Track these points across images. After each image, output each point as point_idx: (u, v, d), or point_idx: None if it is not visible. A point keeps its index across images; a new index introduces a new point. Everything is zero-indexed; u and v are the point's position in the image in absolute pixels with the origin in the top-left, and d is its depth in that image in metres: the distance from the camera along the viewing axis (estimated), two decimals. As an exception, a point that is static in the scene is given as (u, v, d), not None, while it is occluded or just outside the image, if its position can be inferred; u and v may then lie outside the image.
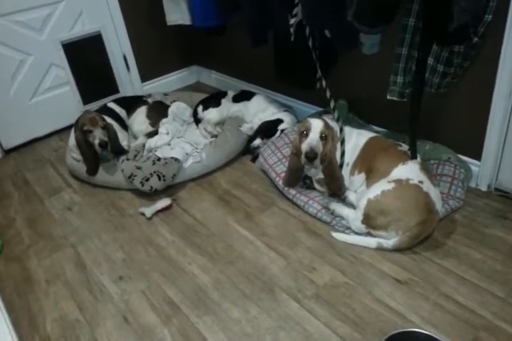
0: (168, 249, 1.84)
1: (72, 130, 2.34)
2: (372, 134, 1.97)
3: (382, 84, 1.98)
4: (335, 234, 1.77)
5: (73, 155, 2.38)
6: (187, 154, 2.31)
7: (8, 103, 2.74)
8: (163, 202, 2.09)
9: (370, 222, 1.67)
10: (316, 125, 1.82)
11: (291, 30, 1.99)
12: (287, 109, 2.63)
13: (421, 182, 1.68)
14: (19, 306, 1.64)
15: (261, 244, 1.80)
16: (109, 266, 1.78)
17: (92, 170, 2.28)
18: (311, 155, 1.76)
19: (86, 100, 3.09)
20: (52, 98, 2.93)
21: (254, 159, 2.42)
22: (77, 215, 2.15)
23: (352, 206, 1.84)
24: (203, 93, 3.18)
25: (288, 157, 2.19)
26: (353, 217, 1.74)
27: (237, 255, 1.76)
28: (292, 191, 2.01)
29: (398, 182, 1.67)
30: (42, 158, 2.76)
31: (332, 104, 1.92)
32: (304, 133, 1.82)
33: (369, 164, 1.82)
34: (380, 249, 1.67)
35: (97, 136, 2.21)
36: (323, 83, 2.00)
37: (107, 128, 2.27)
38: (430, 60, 1.75)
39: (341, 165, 1.88)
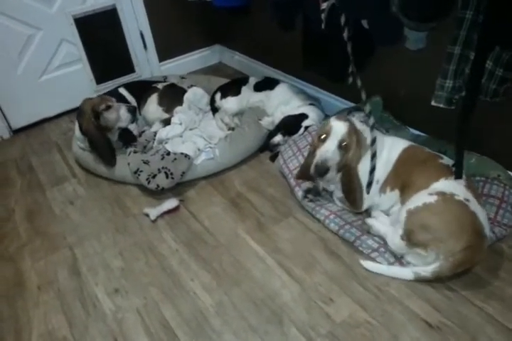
0: (171, 259, 1.67)
1: (76, 123, 2.15)
2: (407, 143, 1.70)
3: (425, 84, 1.70)
4: (364, 263, 1.54)
5: (79, 144, 2.21)
6: (199, 150, 2.10)
7: (16, 81, 2.58)
8: (170, 204, 1.91)
9: (411, 236, 1.44)
10: (337, 130, 1.56)
11: (322, 16, 1.70)
12: (313, 102, 2.36)
13: (467, 200, 1.44)
14: (7, 315, 1.52)
15: (273, 262, 1.61)
16: (106, 275, 1.64)
17: (109, 161, 2.10)
18: (321, 170, 1.52)
19: (99, 79, 2.89)
20: (63, 76, 2.75)
21: (274, 158, 2.20)
22: (79, 211, 2.00)
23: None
24: (224, 77, 2.94)
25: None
26: (392, 233, 1.51)
27: (245, 274, 1.58)
28: (311, 204, 1.79)
29: (441, 195, 1.44)
30: (49, 140, 2.61)
31: (367, 108, 1.65)
32: (321, 138, 1.58)
33: (404, 180, 1.58)
34: (418, 280, 1.45)
35: (121, 106, 2.04)
36: (358, 82, 1.72)
37: None
38: (488, 63, 1.45)
39: (370, 183, 1.63)
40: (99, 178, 2.19)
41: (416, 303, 1.39)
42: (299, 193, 1.87)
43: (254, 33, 2.84)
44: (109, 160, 2.09)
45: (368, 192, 1.64)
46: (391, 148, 1.65)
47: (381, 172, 1.63)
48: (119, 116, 2.03)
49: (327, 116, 2.34)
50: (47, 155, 2.46)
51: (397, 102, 2.09)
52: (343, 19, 1.58)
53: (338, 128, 1.58)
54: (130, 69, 3.01)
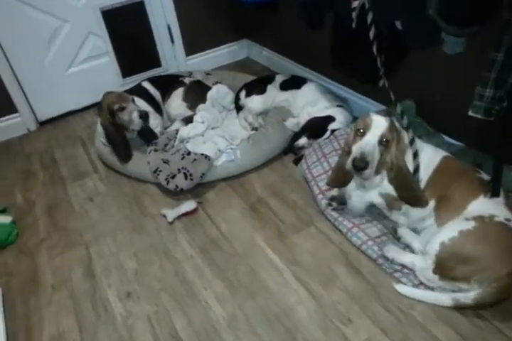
0: (185, 265, 1.63)
1: (99, 120, 2.13)
2: (444, 153, 1.58)
3: (462, 90, 1.57)
4: (398, 287, 1.43)
5: (102, 140, 2.19)
6: (220, 151, 2.04)
7: (43, 73, 2.58)
8: (188, 206, 1.87)
9: (446, 272, 1.33)
10: (379, 124, 1.42)
11: (353, 15, 1.58)
12: (342, 103, 2.25)
13: (508, 220, 1.33)
14: (21, 312, 1.53)
15: (290, 275, 1.54)
16: (119, 277, 1.61)
17: (125, 157, 2.08)
18: (360, 164, 1.37)
19: (125, 73, 2.87)
20: (90, 69, 2.74)
21: (297, 161, 2.11)
22: (98, 208, 1.99)
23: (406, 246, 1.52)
24: (251, 73, 2.86)
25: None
26: (421, 265, 1.40)
27: (261, 286, 1.52)
28: (335, 213, 1.71)
29: (480, 219, 1.33)
30: (74, 134, 2.62)
31: (399, 109, 1.54)
32: (360, 132, 1.44)
33: (441, 191, 1.46)
34: (457, 306, 1.34)
35: (134, 109, 1.99)
36: (386, 84, 1.60)
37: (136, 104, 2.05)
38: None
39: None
40: (120, 175, 2.17)
41: (440, 329, 1.30)
42: (323, 201, 1.79)
43: (283, 29, 2.73)
44: (124, 157, 2.07)
45: None
46: (430, 154, 1.53)
47: (421, 177, 1.51)
48: (132, 119, 2.00)
49: (355, 119, 2.23)
50: (70, 149, 2.46)
51: (430, 107, 1.96)
52: (371, 18, 1.47)
53: (380, 122, 1.43)
54: (156, 63, 2.97)
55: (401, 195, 1.50)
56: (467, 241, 1.29)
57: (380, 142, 1.42)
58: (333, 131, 2.08)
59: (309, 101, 2.28)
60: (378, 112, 1.51)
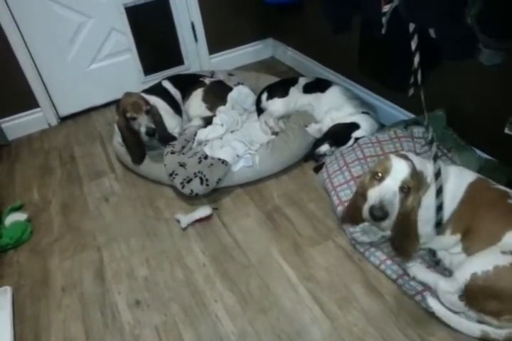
0: (197, 274, 1.59)
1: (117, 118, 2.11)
2: (473, 175, 1.45)
3: (498, 103, 1.47)
4: (431, 301, 1.33)
5: (119, 140, 2.16)
6: (238, 156, 1.98)
7: (65, 68, 2.57)
8: (203, 212, 1.82)
9: (474, 303, 1.24)
10: (400, 169, 1.28)
11: (383, 20, 1.48)
12: (367, 110, 2.15)
13: None
14: (30, 314, 1.52)
15: (305, 292, 1.47)
16: (129, 284, 1.58)
17: (138, 159, 2.06)
18: (379, 215, 1.23)
19: (147, 70, 2.83)
20: (112, 65, 2.71)
21: (318, 169, 2.03)
22: (112, 209, 1.96)
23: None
24: (275, 74, 2.79)
25: (358, 178, 1.79)
26: (445, 289, 1.30)
27: (274, 301, 1.46)
28: (351, 229, 1.63)
29: None
30: (94, 131, 2.61)
31: (431, 134, 1.43)
32: (378, 176, 1.29)
33: (468, 223, 1.35)
34: (484, 340, 1.24)
35: (143, 123, 1.96)
36: (422, 95, 1.51)
37: (151, 112, 2.00)
38: None
39: (439, 224, 1.38)
40: (136, 176, 2.14)
41: (463, 362, 1.22)
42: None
43: (308, 28, 2.64)
44: (137, 159, 2.04)
45: (438, 233, 1.41)
46: (456, 181, 1.40)
47: (445, 210, 1.39)
48: (140, 131, 1.97)
49: (383, 126, 2.14)
50: (89, 147, 2.45)
51: (462, 119, 1.85)
52: (411, 26, 1.37)
53: (400, 167, 1.28)
54: (179, 61, 2.93)
55: (393, 241, 1.39)
56: (502, 278, 1.18)
57: (402, 189, 1.27)
58: (356, 139, 1.99)
59: (333, 106, 2.19)
60: (399, 155, 1.37)
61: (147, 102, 2.00)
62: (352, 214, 1.45)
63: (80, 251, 1.76)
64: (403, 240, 1.38)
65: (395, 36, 1.50)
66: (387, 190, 1.26)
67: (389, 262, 1.50)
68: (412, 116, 2.06)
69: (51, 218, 1.95)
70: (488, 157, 1.80)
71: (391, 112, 2.19)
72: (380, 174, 1.29)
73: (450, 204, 1.38)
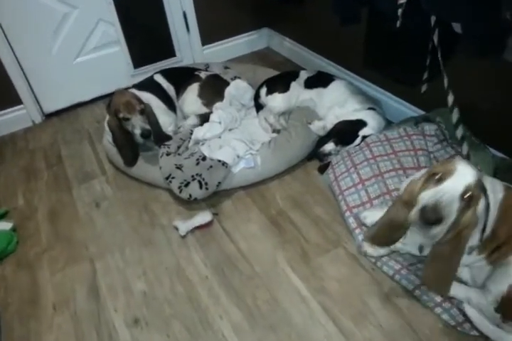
0: (199, 287, 1.48)
1: (107, 116, 1.96)
2: (501, 185, 1.25)
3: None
4: (466, 307, 1.24)
5: (109, 139, 2.02)
6: (238, 156, 1.86)
7: (50, 62, 2.40)
8: (202, 218, 1.70)
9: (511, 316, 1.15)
10: (465, 174, 1.07)
11: (399, 12, 1.36)
12: (373, 106, 2.03)
13: None
14: (18, 336, 1.39)
15: (317, 306, 1.37)
16: (126, 300, 1.47)
17: (130, 161, 1.92)
18: (431, 217, 1.04)
19: (137, 63, 2.67)
20: (100, 58, 2.54)
21: (323, 169, 1.92)
22: (104, 215, 1.83)
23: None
24: (271, 65, 2.66)
25: (367, 181, 1.68)
26: (479, 301, 1.21)
27: (283, 317, 1.36)
28: (359, 238, 1.52)
29: None
30: (82, 128, 2.45)
31: (459, 133, 1.32)
32: (436, 177, 1.09)
33: (502, 241, 1.19)
34: None
35: (137, 124, 1.82)
36: (446, 82, 1.38)
37: (146, 112, 1.86)
38: None
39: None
40: (129, 178, 2.01)
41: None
42: (351, 220, 1.61)
43: (308, 17, 2.50)
44: (129, 161, 1.91)
45: (468, 253, 1.23)
46: (491, 197, 1.19)
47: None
48: (133, 132, 1.85)
49: (390, 123, 2.03)
50: (77, 146, 2.30)
51: (477, 116, 1.74)
52: (433, 20, 1.25)
53: (467, 171, 1.08)
54: (170, 53, 2.77)
55: (428, 267, 1.20)
56: None
57: (463, 196, 1.05)
58: (364, 137, 1.87)
59: (337, 102, 2.07)
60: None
61: (141, 101, 1.86)
62: (385, 233, 1.24)
63: (72, 263, 1.63)
64: (439, 269, 1.17)
65: (409, 29, 1.39)
66: (446, 191, 1.05)
67: (404, 272, 1.41)
68: (421, 112, 1.95)
69: (38, 226, 1.81)
70: (504, 156, 1.70)
71: (398, 108, 2.08)
72: (439, 175, 1.08)
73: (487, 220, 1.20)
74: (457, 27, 1.22)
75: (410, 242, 1.40)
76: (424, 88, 1.59)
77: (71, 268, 1.61)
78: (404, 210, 1.15)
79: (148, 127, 1.82)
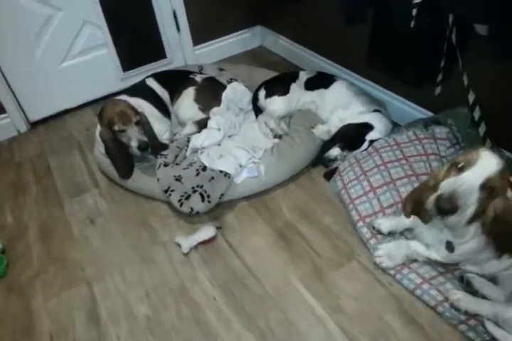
0: (207, 310, 1.38)
1: (98, 127, 1.84)
2: None
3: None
4: (489, 325, 1.18)
5: (101, 150, 1.90)
6: (240, 166, 1.76)
7: (33, 67, 2.26)
8: (206, 233, 1.60)
9: None
10: (487, 163, 1.07)
11: (413, 12, 1.27)
12: (378, 107, 1.94)
13: None
14: (13, 371, 1.29)
15: (334, 326, 1.29)
16: (129, 326, 1.36)
17: (125, 173, 1.81)
18: (446, 206, 1.05)
19: (126, 66, 2.55)
20: (86, 62, 2.41)
21: (329, 175, 1.83)
22: (100, 233, 1.72)
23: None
24: (266, 65, 2.57)
25: (378, 189, 1.60)
26: (509, 316, 1.14)
27: (300, 340, 1.27)
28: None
29: None
30: (70, 137, 2.32)
31: (482, 130, 1.23)
32: (458, 166, 1.10)
33: None
34: None
35: (134, 136, 1.71)
36: (466, 81, 1.29)
37: (141, 122, 1.75)
38: None
39: None
40: (124, 190, 1.89)
41: None
42: (364, 230, 1.53)
43: (304, 14, 2.39)
44: (124, 173, 1.80)
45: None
46: None
47: None
48: (130, 145, 1.74)
49: (397, 126, 1.95)
50: (67, 156, 2.17)
51: (489, 117, 1.67)
52: (452, 20, 1.16)
53: (490, 161, 1.07)
54: (161, 54, 2.64)
55: (498, 244, 1.16)
56: None
57: (483, 186, 1.05)
58: (371, 141, 1.79)
59: (340, 104, 1.99)
60: (490, 150, 1.13)
61: (136, 111, 1.74)
62: (413, 206, 1.22)
63: (67, 286, 1.52)
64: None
65: (421, 29, 1.30)
66: (465, 181, 1.05)
67: (426, 286, 1.33)
68: (428, 113, 1.87)
69: (29, 246, 1.69)
70: (518, 159, 1.64)
71: (404, 109, 2.00)
72: (461, 164, 1.08)
73: None
74: (480, 28, 1.13)
75: (434, 241, 1.32)
76: (438, 90, 1.51)
77: (67, 292, 1.50)
78: (429, 190, 1.13)
79: (145, 139, 1.71)
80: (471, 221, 1.11)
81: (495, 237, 1.15)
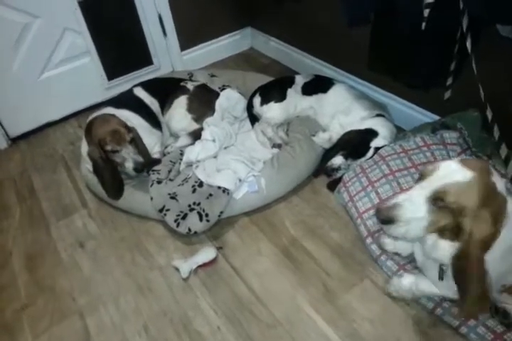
0: (212, 342, 1.27)
1: (84, 139, 1.71)
2: None
3: None
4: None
5: (88, 167, 1.77)
6: (240, 180, 1.64)
7: (11, 80, 2.11)
8: (205, 255, 1.49)
9: None
10: (443, 174, 0.95)
11: (425, 12, 1.17)
12: (381, 111, 1.84)
13: None
14: None
15: (351, 356, 1.19)
16: (128, 364, 1.25)
17: (115, 193, 1.68)
18: (379, 216, 1.00)
19: (111, 74, 2.41)
20: (69, 72, 2.27)
21: (333, 186, 1.73)
22: (90, 257, 1.59)
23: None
24: (257, 68, 2.47)
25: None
26: None
27: (315, 374, 1.17)
28: (394, 265, 1.34)
29: None
30: (54, 152, 2.18)
31: (504, 152, 1.13)
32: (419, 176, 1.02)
33: None
34: None
35: (129, 157, 1.59)
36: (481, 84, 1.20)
37: (134, 140, 1.63)
38: None
39: None
40: (115, 209, 1.77)
41: None
42: (373, 247, 1.43)
43: (296, 13, 2.28)
44: (114, 193, 1.67)
45: None
46: None
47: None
48: (124, 166, 1.62)
49: (401, 131, 1.85)
50: (51, 174, 2.03)
51: (501, 120, 1.58)
52: (467, 22, 1.06)
53: (446, 171, 0.95)
54: (147, 60, 2.51)
55: (457, 287, 1.02)
56: None
57: (434, 201, 0.94)
58: (376, 149, 1.69)
59: (340, 109, 1.88)
60: (465, 160, 0.99)
61: (129, 128, 1.62)
62: None
63: (58, 320, 1.39)
64: (461, 291, 1.02)
65: (430, 30, 1.20)
66: (405, 199, 0.98)
67: (447, 304, 1.24)
68: (435, 117, 1.78)
69: (15, 276, 1.56)
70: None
71: (407, 113, 1.90)
72: (419, 176, 1.01)
73: None
74: (503, 30, 1.04)
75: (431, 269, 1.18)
76: (447, 95, 1.42)
77: (58, 326, 1.37)
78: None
79: (141, 159, 1.58)
80: (442, 236, 1.01)
81: (455, 273, 1.01)
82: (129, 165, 1.58)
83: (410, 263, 1.36)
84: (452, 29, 1.16)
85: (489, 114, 1.23)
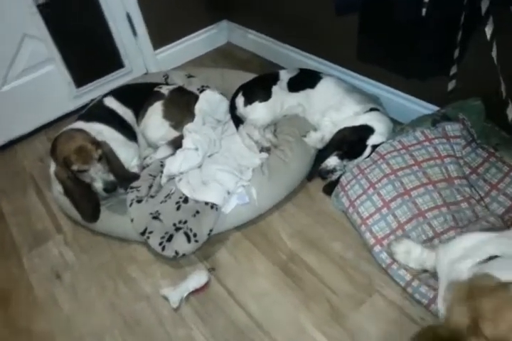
0: (211, 383, 1.13)
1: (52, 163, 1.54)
2: None
3: None
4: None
5: (60, 190, 1.59)
6: (228, 193, 1.49)
7: (-32, 94, 1.93)
8: (197, 280, 1.33)
9: None
10: None
11: None
12: (375, 105, 1.69)
13: None
14: None
15: (368, 388, 1.06)
16: None
17: (90, 216, 1.52)
18: None
19: (79, 81, 2.23)
20: (32, 82, 2.09)
21: (329, 189, 1.58)
22: (70, 291, 1.42)
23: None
24: (237, 65, 2.31)
25: (392, 203, 1.37)
26: None
27: None
28: (406, 274, 1.20)
29: None
30: (22, 171, 1.99)
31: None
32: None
33: None
34: None
35: (97, 176, 1.43)
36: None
37: (105, 156, 1.46)
38: None
39: None
40: (92, 233, 1.60)
41: None
42: (383, 256, 1.29)
43: (275, 2, 2.11)
44: (89, 215, 1.51)
45: None
46: None
47: None
48: (93, 185, 1.46)
49: (397, 124, 1.70)
50: (21, 197, 1.84)
51: (503, 108, 1.44)
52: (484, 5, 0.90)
53: None
54: (117, 63, 2.33)
55: None
56: None
57: None
58: (374, 146, 1.54)
59: (331, 105, 1.72)
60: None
61: (97, 143, 1.45)
62: None
63: (36, 367, 1.24)
64: None
65: (437, 19, 1.05)
66: None
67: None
68: (434, 107, 1.63)
69: (-15, 317, 1.40)
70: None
71: (403, 104, 1.75)
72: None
73: None
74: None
75: None
76: (451, 85, 1.27)
77: (36, 375, 1.22)
78: None
79: (111, 178, 1.42)
80: None
81: None
82: (99, 186, 1.42)
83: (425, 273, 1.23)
84: (455, 14, 1.01)
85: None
